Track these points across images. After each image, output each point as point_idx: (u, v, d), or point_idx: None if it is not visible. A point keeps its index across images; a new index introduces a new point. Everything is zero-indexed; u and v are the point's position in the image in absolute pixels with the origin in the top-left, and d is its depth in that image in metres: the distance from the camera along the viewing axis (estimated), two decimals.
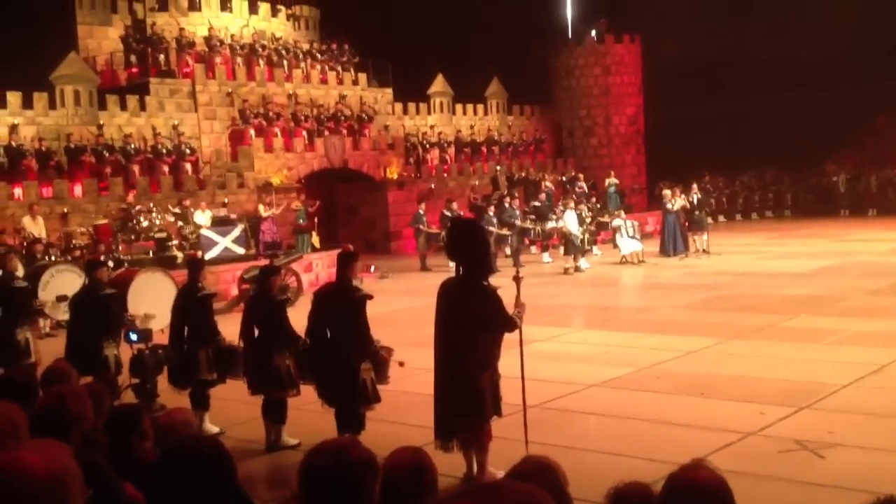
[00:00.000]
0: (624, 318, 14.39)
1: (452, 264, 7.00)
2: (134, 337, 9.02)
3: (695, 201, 23.09)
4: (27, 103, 23.09)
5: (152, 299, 11.71)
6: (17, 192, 20.51)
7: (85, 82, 23.99)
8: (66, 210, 20.82)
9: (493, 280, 6.83)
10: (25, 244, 16.86)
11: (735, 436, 7.60)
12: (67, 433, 3.81)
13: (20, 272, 12.63)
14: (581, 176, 30.25)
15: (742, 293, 16.13)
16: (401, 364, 7.80)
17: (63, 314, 11.17)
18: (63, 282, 12.98)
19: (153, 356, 8.87)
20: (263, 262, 15.84)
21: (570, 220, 20.96)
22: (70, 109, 23.54)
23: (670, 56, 38.21)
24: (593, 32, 35.84)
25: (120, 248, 18.25)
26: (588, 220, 22.74)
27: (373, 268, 21.35)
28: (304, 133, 26.80)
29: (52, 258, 15.59)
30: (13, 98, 22.86)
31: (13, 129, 21.83)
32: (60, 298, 10.42)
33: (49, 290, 13.12)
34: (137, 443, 3.88)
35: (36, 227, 18.77)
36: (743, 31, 42.53)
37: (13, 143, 21.41)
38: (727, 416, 8.26)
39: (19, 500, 1.80)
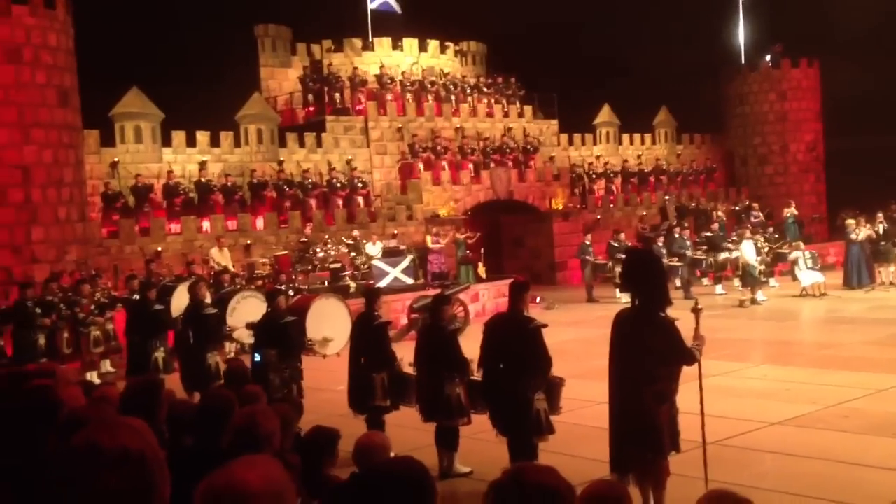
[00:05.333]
0: (806, 354, 13.72)
1: (619, 294, 6.92)
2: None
3: (881, 231, 21.79)
4: (215, 142, 24.61)
5: (328, 324, 12.20)
6: (206, 225, 21.84)
7: (267, 121, 25.35)
8: (249, 242, 21.98)
9: (668, 312, 6.67)
10: (213, 274, 17.88)
11: None
12: (260, 450, 3.99)
13: (208, 300, 13.42)
14: (756, 205, 29.11)
15: None
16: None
17: (249, 338, 11.78)
18: (249, 307, 13.68)
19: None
20: (432, 291, 16.12)
21: (747, 251, 20.17)
22: (253, 147, 24.92)
23: (851, 81, 36.30)
24: (768, 57, 34.62)
25: (298, 277, 19.04)
26: (765, 250, 21.86)
27: (539, 298, 21.27)
28: (471, 165, 27.20)
29: (238, 287, 16.45)
30: (202, 137, 24.42)
31: (202, 165, 23.31)
32: (249, 326, 11.07)
33: (236, 315, 13.84)
34: (328, 465, 4.01)
35: (223, 258, 19.90)
36: None
37: (202, 179, 22.85)
38: None
39: None
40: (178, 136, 24.03)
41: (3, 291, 16.54)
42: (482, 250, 23.95)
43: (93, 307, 15.26)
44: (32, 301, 14.78)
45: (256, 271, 19.53)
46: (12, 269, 17.36)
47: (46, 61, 18.12)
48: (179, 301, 13.70)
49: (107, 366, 15.51)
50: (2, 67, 17.49)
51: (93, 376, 14.34)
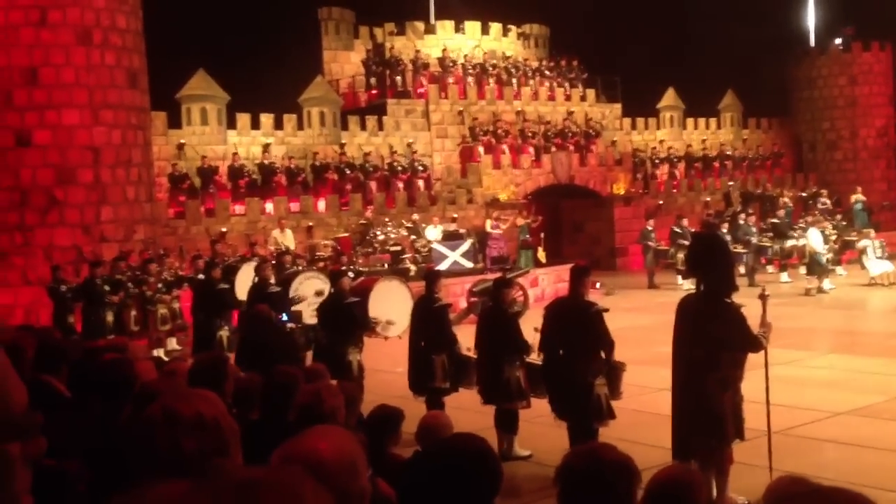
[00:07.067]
0: (874, 343, 13.40)
1: (681, 281, 6.84)
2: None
3: None
4: (278, 124, 24.90)
5: (391, 306, 12.30)
6: (269, 206, 22.14)
7: (329, 104, 25.55)
8: (311, 224, 22.23)
9: (733, 298, 6.57)
10: (276, 255, 18.12)
11: None
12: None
13: (272, 280, 13.61)
14: (824, 192, 28.49)
15: None
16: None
17: (311, 318, 11.94)
18: (311, 288, 13.85)
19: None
20: (492, 275, 16.11)
21: (814, 239, 19.76)
22: (316, 130, 25.15)
23: None
24: (838, 40, 33.75)
25: (359, 259, 19.20)
26: (833, 238, 21.35)
27: (598, 284, 21.08)
28: (532, 149, 27.07)
29: (300, 268, 16.66)
30: (266, 119, 24.72)
31: (266, 148, 23.61)
32: (318, 293, 11.25)
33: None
34: (391, 443, 4.05)
35: (285, 239, 20.16)
36: None
37: (266, 162, 23.15)
38: None
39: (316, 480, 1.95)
40: (243, 119, 24.36)
41: (73, 269, 16.99)
42: (542, 235, 23.86)
43: (159, 286, 15.59)
44: (101, 279, 15.17)
45: (318, 253, 19.75)
46: (82, 248, 17.81)
47: (116, 43, 18.44)
48: (243, 281, 13.93)
49: (173, 343, 15.85)
50: (72, 49, 17.86)
51: (160, 353, 14.67)
